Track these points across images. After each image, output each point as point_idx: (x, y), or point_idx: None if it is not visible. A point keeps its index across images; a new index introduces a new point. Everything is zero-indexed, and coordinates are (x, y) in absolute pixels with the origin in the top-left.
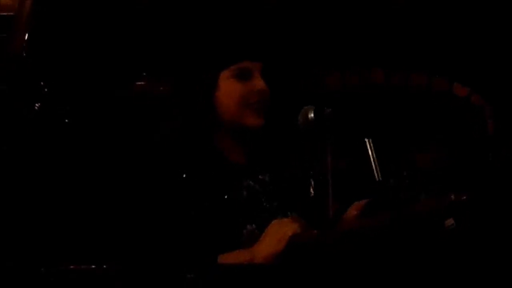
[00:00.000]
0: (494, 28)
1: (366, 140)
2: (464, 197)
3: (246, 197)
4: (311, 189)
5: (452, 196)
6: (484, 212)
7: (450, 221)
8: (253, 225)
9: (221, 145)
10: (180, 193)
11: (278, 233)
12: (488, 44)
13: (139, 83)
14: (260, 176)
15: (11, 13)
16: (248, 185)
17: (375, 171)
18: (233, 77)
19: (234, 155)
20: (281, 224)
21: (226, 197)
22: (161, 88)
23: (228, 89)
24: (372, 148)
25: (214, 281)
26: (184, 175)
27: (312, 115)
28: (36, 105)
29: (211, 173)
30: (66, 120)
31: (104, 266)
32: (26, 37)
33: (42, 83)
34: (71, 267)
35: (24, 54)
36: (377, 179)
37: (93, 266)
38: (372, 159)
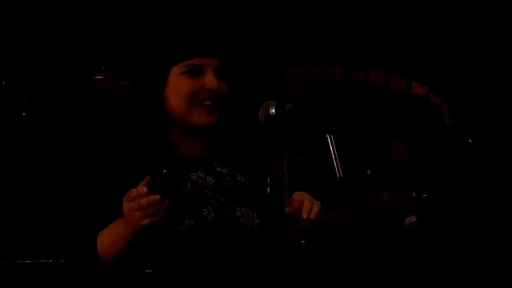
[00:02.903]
0: (454, 28)
1: (328, 136)
2: (425, 195)
3: (190, 190)
4: (268, 187)
5: (413, 194)
6: (445, 210)
7: (412, 219)
8: (192, 220)
9: (172, 139)
10: (125, 185)
11: None
12: (447, 44)
13: (98, 77)
14: (217, 169)
15: None
16: (196, 179)
17: (336, 167)
18: (184, 73)
19: (187, 148)
20: None
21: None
22: (121, 82)
23: (177, 85)
24: (334, 144)
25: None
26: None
27: (274, 110)
28: None
29: (157, 166)
30: (24, 114)
31: (62, 261)
32: None
33: None
34: (28, 261)
35: None
36: (338, 176)
37: (51, 261)
38: (333, 156)
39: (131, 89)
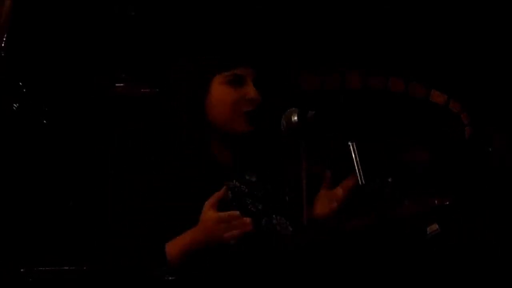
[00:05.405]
0: (473, 36)
1: (350, 144)
2: (447, 202)
3: (232, 199)
4: (287, 194)
5: (436, 201)
6: (467, 216)
7: (434, 227)
8: None
9: (210, 147)
10: (164, 194)
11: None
12: (467, 51)
13: (119, 85)
14: (247, 177)
15: None
16: (234, 187)
17: (358, 175)
18: (226, 83)
19: (222, 157)
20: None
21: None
22: (142, 90)
23: (221, 95)
24: (356, 152)
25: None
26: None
27: (296, 118)
28: (14, 105)
29: (198, 175)
30: (44, 121)
31: (84, 268)
32: (5, 37)
33: (20, 83)
34: (51, 268)
35: (3, 54)
36: (360, 184)
37: (73, 268)
38: (355, 163)
39: (158, 97)
